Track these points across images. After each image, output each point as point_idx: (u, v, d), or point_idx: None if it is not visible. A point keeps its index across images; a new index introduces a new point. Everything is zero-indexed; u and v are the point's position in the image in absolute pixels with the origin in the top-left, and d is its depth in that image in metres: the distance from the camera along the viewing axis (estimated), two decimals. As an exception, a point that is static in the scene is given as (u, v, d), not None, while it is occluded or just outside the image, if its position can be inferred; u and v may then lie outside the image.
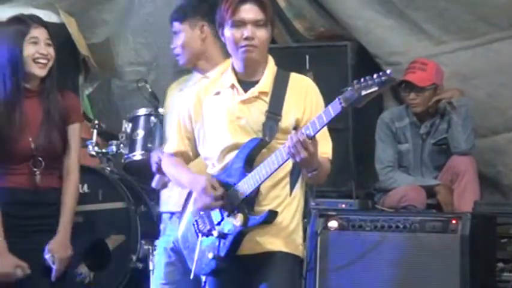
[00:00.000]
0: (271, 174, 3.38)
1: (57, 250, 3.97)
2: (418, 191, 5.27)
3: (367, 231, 4.75)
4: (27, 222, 3.94)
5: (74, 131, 4.08)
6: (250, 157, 3.44)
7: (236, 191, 3.44)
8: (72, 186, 4.06)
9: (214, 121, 3.55)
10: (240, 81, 3.56)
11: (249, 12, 3.48)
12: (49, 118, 3.97)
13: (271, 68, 3.58)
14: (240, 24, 3.48)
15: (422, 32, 5.73)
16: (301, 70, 5.27)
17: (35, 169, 3.93)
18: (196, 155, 3.65)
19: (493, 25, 5.54)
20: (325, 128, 3.47)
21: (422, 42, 5.76)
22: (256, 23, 3.48)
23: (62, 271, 3.99)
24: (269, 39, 3.55)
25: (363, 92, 3.15)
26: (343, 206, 5.18)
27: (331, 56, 5.76)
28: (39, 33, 4.00)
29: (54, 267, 3.95)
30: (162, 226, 4.14)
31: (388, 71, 3.15)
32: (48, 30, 4.03)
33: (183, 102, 3.71)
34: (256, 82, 3.55)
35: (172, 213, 4.18)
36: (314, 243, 4.78)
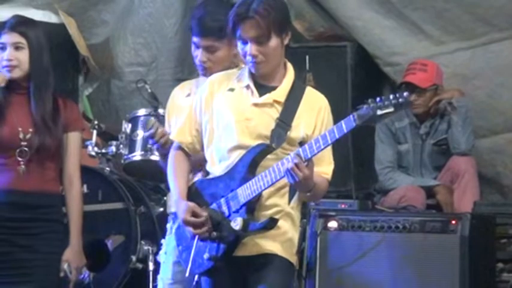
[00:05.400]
0: (274, 183, 3.37)
1: (73, 260, 4.00)
2: (418, 192, 5.28)
3: (366, 232, 4.75)
4: (12, 224, 3.92)
5: (74, 139, 4.06)
6: (255, 162, 3.42)
7: (237, 194, 3.43)
8: (77, 197, 4.07)
9: (223, 118, 3.52)
10: (256, 84, 3.52)
11: (248, 30, 3.42)
12: (37, 117, 3.96)
13: (289, 78, 3.53)
14: (243, 40, 3.45)
15: (422, 32, 5.73)
16: (301, 71, 5.31)
17: (20, 159, 3.92)
18: (203, 147, 3.63)
19: (492, 25, 5.54)
20: (330, 148, 3.48)
21: (421, 42, 5.76)
22: (257, 40, 3.42)
23: (76, 279, 4.06)
24: (279, 47, 3.46)
25: (379, 112, 3.13)
26: (343, 206, 5.18)
27: (331, 56, 5.77)
28: (6, 38, 3.96)
29: (70, 276, 3.99)
30: (168, 225, 4.14)
31: (405, 94, 3.13)
32: (22, 33, 3.95)
33: (198, 91, 3.67)
34: (273, 88, 3.50)
35: None
36: (314, 243, 4.78)
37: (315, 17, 6.09)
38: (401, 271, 4.64)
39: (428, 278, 4.57)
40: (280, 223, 3.46)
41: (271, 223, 3.40)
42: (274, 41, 3.44)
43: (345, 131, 3.22)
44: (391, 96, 3.14)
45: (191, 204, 3.49)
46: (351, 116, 3.19)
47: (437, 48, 5.72)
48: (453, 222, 4.61)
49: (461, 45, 5.67)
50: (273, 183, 3.37)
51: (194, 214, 3.46)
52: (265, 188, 3.38)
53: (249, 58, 3.45)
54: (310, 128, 3.48)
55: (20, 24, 4.01)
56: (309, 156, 3.27)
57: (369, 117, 3.15)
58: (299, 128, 3.46)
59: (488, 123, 5.64)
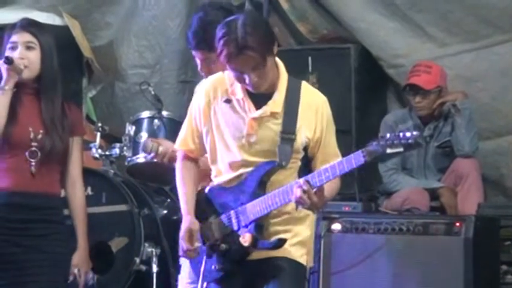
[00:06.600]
0: (283, 204, 3.38)
1: (82, 264, 4.06)
2: (422, 194, 5.27)
3: (370, 234, 4.75)
4: (16, 225, 3.93)
5: (77, 143, 4.09)
6: (264, 179, 3.43)
7: (246, 210, 3.43)
8: (81, 201, 4.10)
9: (223, 133, 3.51)
10: (251, 94, 3.46)
11: (243, 65, 3.35)
12: (47, 119, 3.96)
13: (283, 82, 3.48)
14: (239, 71, 3.39)
15: (426, 34, 5.72)
16: (304, 73, 5.32)
17: (31, 160, 3.92)
18: (205, 150, 3.63)
19: (496, 27, 5.54)
20: (334, 141, 3.53)
21: (425, 44, 5.75)
22: (255, 69, 3.36)
23: (84, 284, 4.10)
24: (273, 63, 3.42)
25: (388, 150, 3.11)
26: (347, 208, 5.18)
27: (334, 58, 5.76)
28: (17, 37, 3.97)
29: (79, 280, 4.05)
30: None
31: (415, 133, 3.09)
32: (33, 34, 3.96)
33: (194, 99, 3.66)
34: (268, 96, 3.46)
35: None
36: (317, 246, 4.77)
37: (319, 19, 6.09)
38: (405, 273, 4.63)
39: (432, 281, 4.56)
40: (289, 227, 3.49)
41: (279, 243, 3.41)
42: (269, 61, 3.40)
43: (354, 166, 3.21)
44: (401, 135, 3.10)
45: (192, 226, 3.51)
46: (360, 152, 3.18)
47: (441, 50, 5.71)
48: (457, 224, 4.61)
49: (465, 47, 5.66)
50: (281, 205, 3.38)
51: (190, 238, 3.49)
52: (274, 209, 3.39)
53: (248, 83, 3.41)
54: (311, 131, 3.48)
55: (31, 25, 4.03)
56: (318, 184, 3.27)
57: (378, 154, 3.13)
58: (301, 132, 3.46)
59: (492, 126, 5.63)
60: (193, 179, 3.65)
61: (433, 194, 5.32)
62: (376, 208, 5.37)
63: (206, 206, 3.58)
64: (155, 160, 4.13)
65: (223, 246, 3.46)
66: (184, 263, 4.07)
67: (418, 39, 5.76)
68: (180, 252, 3.57)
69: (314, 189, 3.26)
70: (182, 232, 3.51)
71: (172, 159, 3.97)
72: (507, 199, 5.67)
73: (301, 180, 3.27)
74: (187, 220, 3.53)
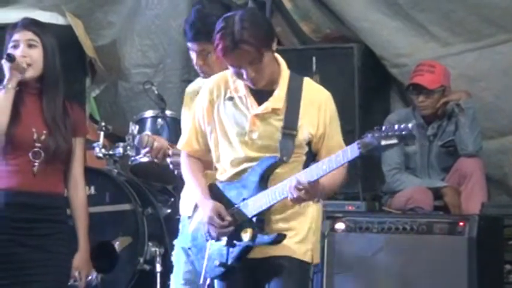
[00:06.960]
0: (284, 198, 3.38)
1: (82, 267, 4.03)
2: (425, 193, 5.27)
3: (374, 233, 4.76)
4: (20, 224, 3.93)
5: (80, 143, 4.08)
6: (266, 174, 3.43)
7: (248, 205, 3.45)
8: (83, 202, 4.07)
9: (226, 130, 3.52)
10: (252, 90, 3.48)
11: (240, 59, 3.37)
12: (48, 118, 3.96)
13: (284, 79, 3.49)
14: (236, 66, 3.41)
15: (429, 33, 5.73)
16: (307, 72, 5.30)
17: (34, 160, 3.92)
18: (210, 150, 3.64)
19: (499, 27, 5.54)
20: (339, 132, 3.55)
21: (428, 44, 5.76)
22: (251, 64, 3.38)
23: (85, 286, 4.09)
24: (271, 58, 3.43)
25: (383, 142, 3.12)
26: (350, 208, 5.18)
27: (338, 58, 5.76)
28: (19, 36, 3.96)
29: (80, 283, 4.02)
30: (180, 226, 4.15)
31: (410, 125, 3.10)
32: (35, 32, 3.94)
33: (198, 99, 3.66)
34: (270, 93, 3.47)
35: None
36: (321, 245, 4.77)
37: (322, 18, 6.09)
38: (408, 273, 4.63)
39: (436, 280, 4.56)
40: (292, 224, 3.49)
41: (278, 238, 3.41)
42: (267, 57, 3.41)
43: (350, 158, 3.22)
44: (396, 127, 3.11)
45: (218, 204, 3.49)
46: (356, 144, 3.19)
47: (444, 49, 5.71)
48: (461, 223, 4.61)
49: (468, 46, 5.67)
50: (281, 199, 3.38)
51: (219, 215, 3.46)
52: (273, 204, 3.40)
53: (246, 78, 3.43)
54: (313, 127, 3.49)
55: (33, 24, 4.02)
56: (316, 178, 3.28)
57: (373, 146, 3.14)
58: (303, 128, 3.47)
59: (496, 125, 5.63)
60: (201, 171, 3.66)
61: (437, 194, 5.32)
62: (380, 207, 5.37)
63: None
64: (149, 155, 4.12)
65: (225, 241, 3.47)
66: (177, 263, 4.08)
67: (421, 39, 5.77)
68: (209, 237, 3.52)
69: (310, 183, 3.28)
70: (210, 213, 3.46)
71: (166, 156, 3.98)
72: (511, 198, 5.67)
73: (295, 180, 3.29)
74: (209, 203, 3.50)
